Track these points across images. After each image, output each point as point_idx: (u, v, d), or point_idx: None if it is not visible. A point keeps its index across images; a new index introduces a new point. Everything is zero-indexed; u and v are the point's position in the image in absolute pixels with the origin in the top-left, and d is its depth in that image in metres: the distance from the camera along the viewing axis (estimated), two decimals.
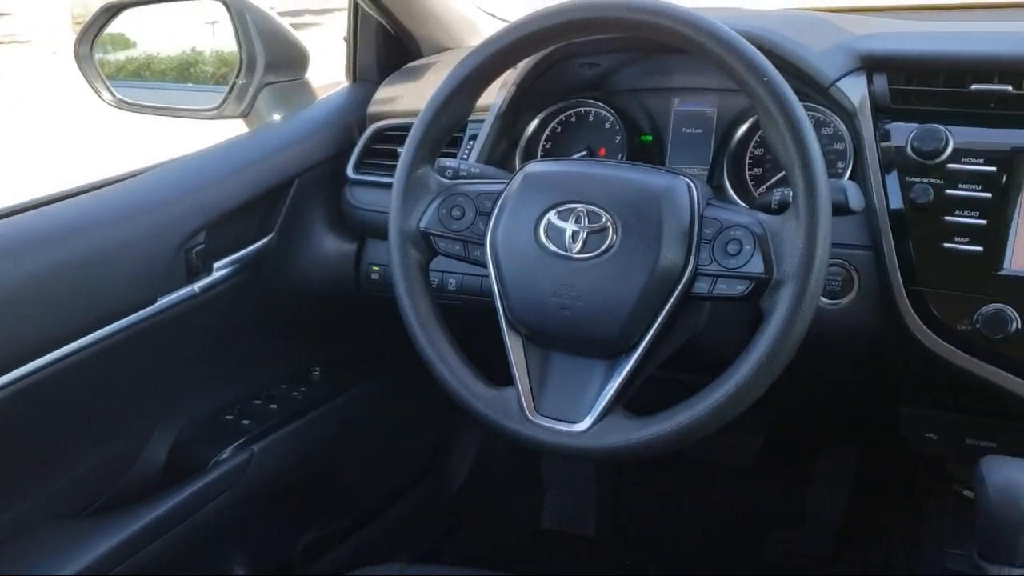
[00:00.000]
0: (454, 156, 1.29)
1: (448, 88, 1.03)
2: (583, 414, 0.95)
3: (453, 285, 1.31)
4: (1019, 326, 0.99)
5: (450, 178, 1.07)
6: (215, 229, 1.29)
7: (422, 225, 1.05)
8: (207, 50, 1.61)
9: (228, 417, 1.40)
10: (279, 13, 1.46)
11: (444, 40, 1.59)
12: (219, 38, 1.50)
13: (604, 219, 0.95)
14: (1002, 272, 1.01)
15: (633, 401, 0.97)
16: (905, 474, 1.66)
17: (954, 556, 1.40)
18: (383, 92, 1.50)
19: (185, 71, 1.65)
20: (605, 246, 0.94)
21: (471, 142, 1.30)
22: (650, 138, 1.29)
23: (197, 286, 1.27)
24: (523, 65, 1.25)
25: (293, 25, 1.50)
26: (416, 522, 1.84)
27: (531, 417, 0.97)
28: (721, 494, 1.93)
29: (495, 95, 1.28)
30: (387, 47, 1.57)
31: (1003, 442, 1.21)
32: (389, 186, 1.08)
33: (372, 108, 1.47)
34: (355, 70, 1.58)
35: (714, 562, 1.86)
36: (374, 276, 1.44)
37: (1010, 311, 1.00)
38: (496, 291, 1.00)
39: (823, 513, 1.83)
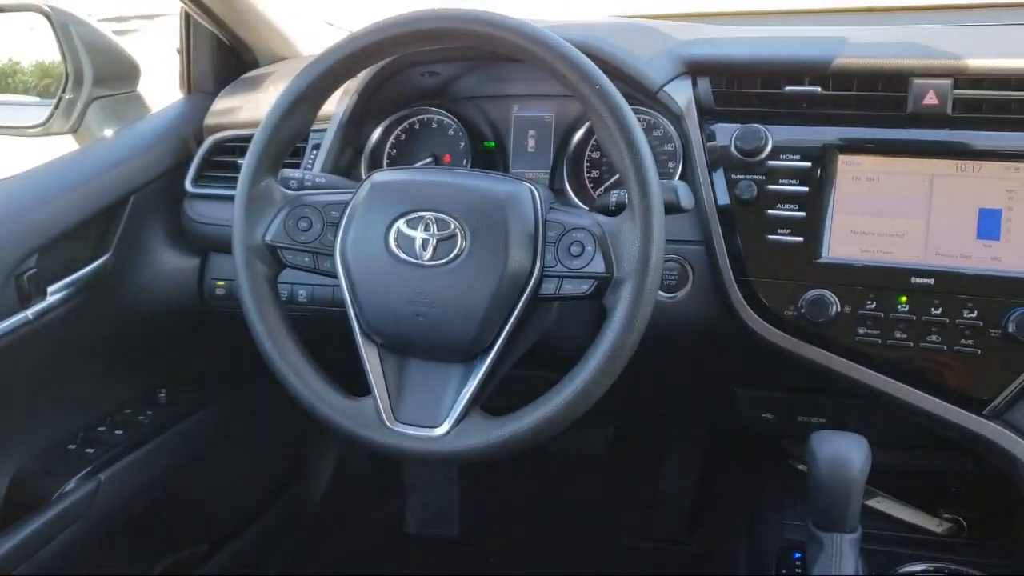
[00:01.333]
0: (298, 167, 1.28)
1: (290, 97, 1.02)
2: (441, 418, 0.96)
3: (304, 296, 1.30)
4: (839, 309, 1.07)
5: (295, 189, 1.06)
6: (47, 252, 1.23)
7: (268, 238, 1.04)
8: (26, 59, 1.53)
9: (71, 447, 1.34)
10: (102, 19, 1.41)
11: (281, 50, 1.57)
12: (40, 45, 1.43)
13: (452, 226, 0.97)
14: (821, 260, 1.09)
15: (493, 401, 0.99)
16: (746, 453, 1.76)
17: (792, 527, 1.49)
18: (220, 103, 1.46)
19: (2, 81, 1.57)
20: (455, 252, 0.96)
21: (315, 151, 1.29)
22: (492, 144, 1.32)
23: (30, 312, 1.21)
24: (364, 74, 1.26)
25: (118, 31, 1.44)
26: (277, 539, 1.81)
27: (389, 425, 0.98)
28: (578, 484, 1.99)
29: (337, 104, 1.28)
30: (222, 57, 1.54)
31: (831, 417, 1.30)
32: (230, 199, 1.06)
33: (209, 120, 1.44)
34: (189, 81, 1.54)
35: (575, 550, 1.92)
36: (219, 292, 1.41)
37: (830, 296, 1.08)
38: (348, 301, 1.00)
39: (674, 495, 1.91)
